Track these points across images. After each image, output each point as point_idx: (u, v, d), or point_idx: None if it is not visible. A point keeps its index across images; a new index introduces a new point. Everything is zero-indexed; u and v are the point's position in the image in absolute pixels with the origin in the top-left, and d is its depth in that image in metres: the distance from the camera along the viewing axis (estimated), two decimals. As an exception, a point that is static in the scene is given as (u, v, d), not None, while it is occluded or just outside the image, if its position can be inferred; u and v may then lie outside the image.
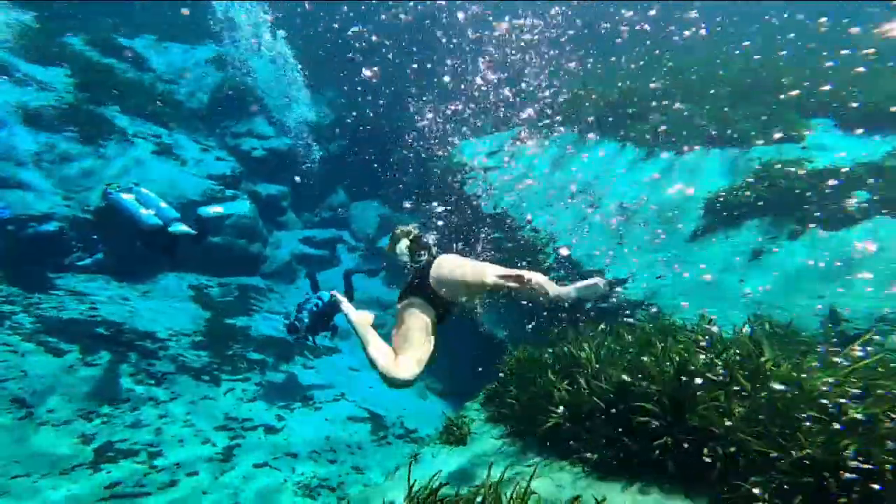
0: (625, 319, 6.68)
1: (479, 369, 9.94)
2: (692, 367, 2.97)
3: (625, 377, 3.23)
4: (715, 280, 6.51)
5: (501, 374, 4.75)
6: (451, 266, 3.10)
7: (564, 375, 3.96)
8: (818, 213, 6.37)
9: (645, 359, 3.30)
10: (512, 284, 2.84)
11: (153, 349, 7.49)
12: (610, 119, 10.86)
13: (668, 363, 3.16)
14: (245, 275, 11.65)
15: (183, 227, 6.57)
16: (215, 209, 7.58)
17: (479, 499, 2.49)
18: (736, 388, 2.76)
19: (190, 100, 14.58)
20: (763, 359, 2.71)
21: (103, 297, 8.51)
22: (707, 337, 3.45)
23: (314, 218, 15.63)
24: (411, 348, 3.04)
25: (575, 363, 3.93)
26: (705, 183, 8.06)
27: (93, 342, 7.01)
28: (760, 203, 6.99)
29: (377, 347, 3.08)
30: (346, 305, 3.47)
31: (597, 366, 3.63)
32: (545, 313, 7.85)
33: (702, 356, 3.19)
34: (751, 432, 2.52)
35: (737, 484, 2.45)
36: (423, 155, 16.81)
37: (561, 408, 3.60)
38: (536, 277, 2.81)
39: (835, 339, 4.49)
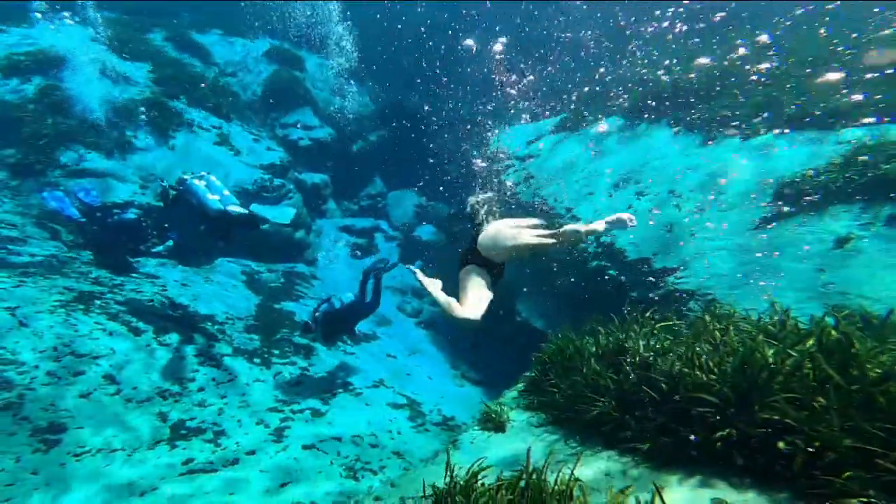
0: (681, 310, 6.34)
1: (517, 358, 9.82)
2: (760, 357, 2.72)
3: (678, 366, 3.01)
4: (788, 269, 5.97)
5: (540, 363, 4.60)
6: (494, 233, 3.54)
7: (609, 364, 3.78)
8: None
9: (700, 347, 3.06)
10: (549, 241, 3.31)
11: (213, 332, 7.90)
12: (666, 104, 10.20)
13: (728, 354, 2.91)
14: (290, 261, 12.06)
15: (240, 209, 6.91)
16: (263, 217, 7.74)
17: (521, 483, 2.40)
18: (816, 381, 2.49)
19: (245, 92, 15.24)
20: (854, 349, 2.42)
21: (172, 281, 9.08)
22: (779, 326, 3.16)
23: (353, 206, 15.91)
24: (472, 296, 3.50)
25: (621, 351, 3.72)
26: (777, 167, 7.38)
27: (164, 323, 7.50)
28: (849, 189, 6.29)
29: (446, 299, 3.52)
30: (419, 275, 3.80)
31: (646, 354, 3.42)
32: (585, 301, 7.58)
33: (772, 348, 2.92)
34: (839, 426, 2.27)
35: (827, 479, 2.21)
36: (462, 146, 16.72)
37: (606, 396, 3.43)
38: (567, 227, 3.31)
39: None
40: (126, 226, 8.74)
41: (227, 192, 7.22)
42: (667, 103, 10.14)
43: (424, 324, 12.07)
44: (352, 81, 17.31)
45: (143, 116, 10.96)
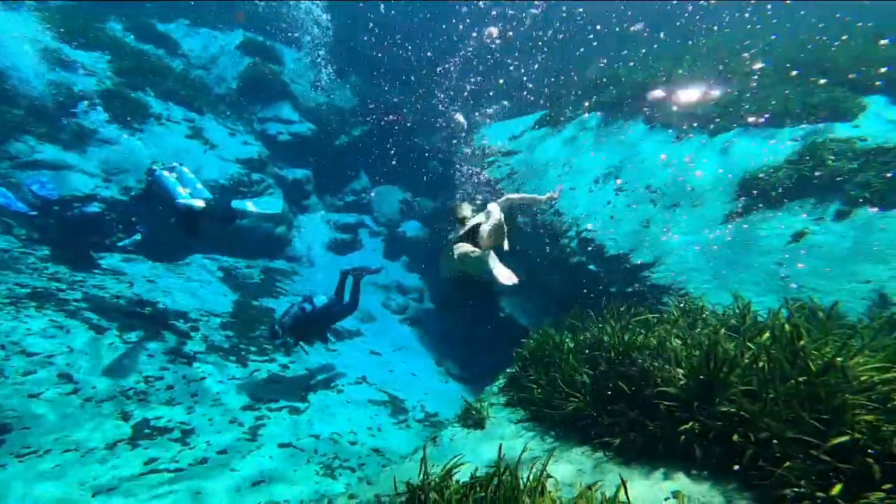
0: (655, 305, 6.48)
1: (501, 354, 9.92)
2: (721, 351, 2.81)
3: (649, 361, 3.09)
4: (750, 263, 6.18)
5: (521, 359, 4.66)
6: (483, 231, 4.22)
7: (586, 359, 3.85)
8: (866, 193, 5.93)
9: (670, 343, 3.14)
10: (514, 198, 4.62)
11: (185, 329, 7.73)
12: (636, 101, 10.40)
13: (695, 348, 3.00)
14: (271, 257, 11.90)
15: (202, 203, 6.66)
16: (250, 207, 7.59)
17: (495, 481, 2.44)
18: (770, 373, 2.59)
19: (219, 85, 14.87)
20: (801, 342, 2.52)
21: (140, 277, 8.85)
22: (739, 319, 3.26)
23: (338, 202, 15.75)
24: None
25: (597, 346, 3.80)
26: (742, 164, 7.61)
27: (130, 320, 7.29)
28: (803, 183, 6.56)
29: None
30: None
31: (620, 349, 3.49)
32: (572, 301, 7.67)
33: (733, 341, 3.01)
34: (784, 417, 2.36)
35: (769, 469, 2.31)
36: (446, 143, 16.67)
37: (582, 392, 3.50)
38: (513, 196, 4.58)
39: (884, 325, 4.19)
40: (88, 219, 8.46)
41: (199, 186, 7.01)
42: (637, 101, 10.33)
43: (409, 321, 12.08)
44: (333, 75, 17.09)
45: (99, 106, 10.57)
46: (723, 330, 3.06)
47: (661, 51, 13.23)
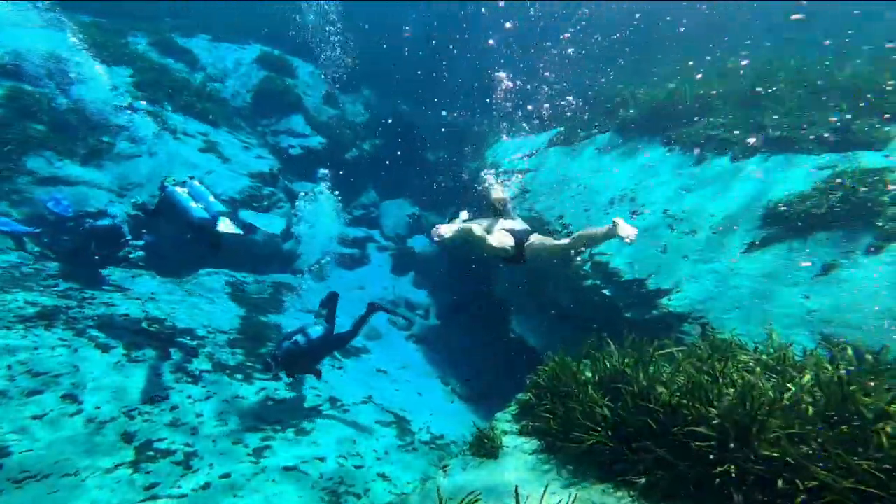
0: (672, 334, 6.34)
1: (509, 374, 9.75)
2: (759, 392, 2.70)
3: (678, 398, 2.98)
4: (776, 294, 6.04)
5: (535, 386, 4.55)
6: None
7: (606, 391, 3.74)
8: (899, 227, 5.80)
9: (700, 378, 3.04)
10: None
11: (192, 346, 7.69)
12: (655, 122, 10.39)
13: (728, 386, 2.89)
14: (278, 271, 11.91)
15: (228, 227, 6.78)
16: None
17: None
18: (815, 417, 2.48)
19: (235, 98, 15.16)
20: (852, 387, 2.41)
21: (147, 292, 8.86)
22: (776, 358, 3.15)
23: (346, 216, 15.83)
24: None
25: (618, 378, 3.69)
26: (766, 190, 7.51)
27: (137, 338, 7.26)
28: (831, 215, 6.44)
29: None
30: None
31: (644, 383, 3.38)
32: (581, 323, 7.55)
33: (770, 381, 2.91)
34: (836, 465, 2.25)
35: None
36: (453, 159, 16.77)
37: (602, 426, 3.39)
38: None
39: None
40: (99, 233, 8.44)
41: (212, 199, 7.01)
42: (655, 122, 10.29)
43: (416, 338, 11.98)
44: (346, 90, 17.39)
45: (126, 118, 10.82)
46: (759, 369, 2.95)
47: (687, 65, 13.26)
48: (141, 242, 8.82)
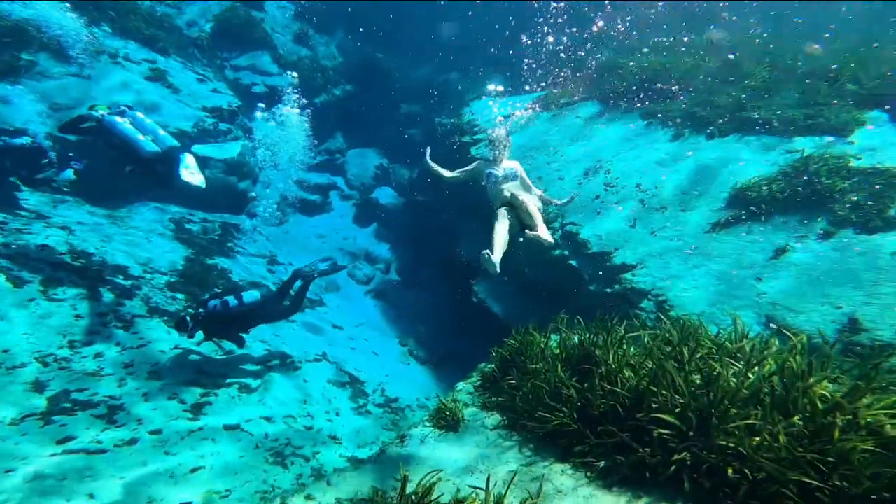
0: (632, 309, 6.50)
1: (468, 338, 9.86)
2: (722, 380, 2.74)
3: (645, 383, 2.99)
4: (731, 275, 6.27)
5: (500, 359, 4.53)
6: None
7: (574, 371, 3.74)
8: (853, 215, 6.07)
9: (668, 365, 3.05)
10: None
11: (126, 287, 7.11)
12: (639, 94, 10.27)
13: (693, 373, 2.92)
14: (231, 212, 11.20)
15: (193, 174, 6.23)
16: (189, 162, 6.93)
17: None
18: (773, 408, 2.54)
19: (191, 28, 13.66)
20: (811, 380, 2.47)
21: (73, 222, 8.03)
22: (735, 344, 3.22)
23: (310, 160, 15.02)
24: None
25: (586, 358, 3.69)
26: (735, 171, 7.65)
27: (56, 273, 6.60)
28: (793, 199, 6.65)
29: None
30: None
31: (613, 366, 3.39)
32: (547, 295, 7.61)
33: (733, 367, 2.95)
34: (785, 457, 2.32)
35: None
36: (429, 114, 16.06)
37: (567, 406, 3.40)
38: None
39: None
40: (14, 151, 7.60)
41: (162, 132, 6.45)
42: (640, 94, 10.22)
43: (374, 293, 11.81)
44: (320, 30, 16.05)
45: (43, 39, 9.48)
46: (724, 358, 3.00)
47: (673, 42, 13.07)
48: (70, 173, 7.90)
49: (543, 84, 12.87)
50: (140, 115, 6.48)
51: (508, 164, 5.23)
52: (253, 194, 11.70)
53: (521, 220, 4.95)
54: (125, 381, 5.67)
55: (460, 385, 4.91)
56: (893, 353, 3.40)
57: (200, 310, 6.07)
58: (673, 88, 10.15)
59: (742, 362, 2.98)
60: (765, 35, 12.90)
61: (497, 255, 4.42)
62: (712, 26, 13.81)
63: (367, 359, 8.91)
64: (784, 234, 6.42)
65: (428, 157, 5.42)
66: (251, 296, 6.42)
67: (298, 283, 7.07)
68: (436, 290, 11.88)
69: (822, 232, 6.23)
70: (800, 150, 7.49)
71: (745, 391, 2.80)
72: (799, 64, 9.87)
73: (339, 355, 8.38)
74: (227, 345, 6.85)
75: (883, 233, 5.76)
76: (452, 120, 13.32)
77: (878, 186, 6.25)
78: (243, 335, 6.53)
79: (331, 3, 16.13)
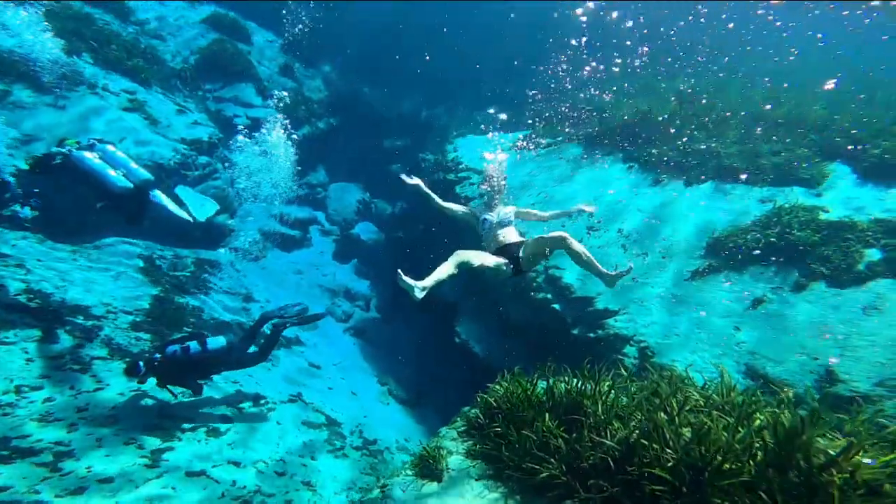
0: (614, 355, 6.56)
1: (450, 379, 9.70)
2: (714, 434, 2.76)
3: (636, 437, 2.99)
4: (710, 324, 6.44)
5: (486, 405, 4.46)
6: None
7: (561, 421, 3.71)
8: (824, 269, 6.38)
9: (659, 416, 3.07)
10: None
11: (85, 327, 6.79)
12: (621, 137, 10.78)
13: (685, 426, 2.94)
14: (206, 247, 10.96)
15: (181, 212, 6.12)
16: (182, 213, 6.80)
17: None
18: (765, 463, 2.56)
19: (175, 59, 13.77)
20: (804, 437, 2.51)
21: (33, 259, 7.68)
22: (726, 398, 3.27)
23: (290, 194, 14.99)
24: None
25: (575, 409, 3.67)
26: (713, 219, 8.01)
27: (9, 315, 6.23)
28: (768, 250, 6.97)
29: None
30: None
31: (602, 417, 3.38)
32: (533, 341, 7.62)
33: (722, 420, 2.99)
34: None
35: None
36: (413, 149, 16.41)
37: (556, 457, 3.35)
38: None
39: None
40: None
41: (135, 165, 6.30)
42: (618, 138, 10.72)
43: (354, 330, 11.60)
44: (306, 64, 16.49)
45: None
46: (715, 412, 3.04)
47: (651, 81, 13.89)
48: (26, 210, 7.62)
49: (529, 122, 13.38)
50: (111, 147, 6.33)
51: (504, 210, 5.15)
52: (231, 228, 11.53)
53: (516, 266, 4.84)
54: (76, 426, 5.30)
55: (443, 430, 4.79)
56: (876, 406, 3.50)
57: (157, 355, 5.65)
58: (653, 134, 10.65)
59: (732, 416, 3.02)
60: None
61: (425, 283, 4.05)
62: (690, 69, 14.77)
63: (345, 399, 8.65)
64: (761, 285, 6.68)
65: (420, 182, 5.32)
66: (216, 342, 6.06)
67: (268, 328, 6.77)
68: (416, 327, 11.75)
69: (795, 284, 6.50)
70: (771, 200, 7.93)
71: (737, 445, 2.81)
72: (768, 107, 10.58)
73: (316, 396, 8.12)
74: (233, 373, 6.67)
75: (853, 287, 6.06)
76: (436, 156, 13.63)
77: (846, 242, 6.61)
78: (203, 382, 6.15)
79: (319, 36, 16.58)
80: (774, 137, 9.56)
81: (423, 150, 15.54)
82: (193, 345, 5.88)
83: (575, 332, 7.24)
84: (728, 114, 10.72)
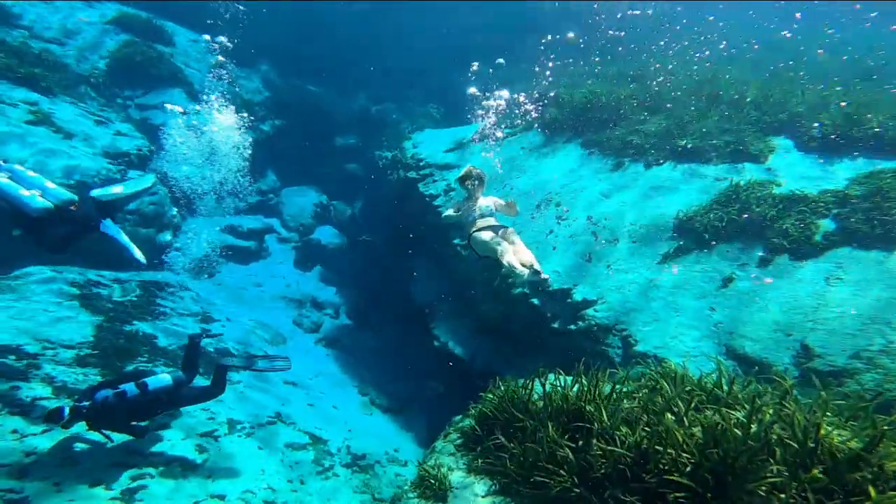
0: (598, 346, 6.65)
1: (430, 383, 9.58)
2: (728, 433, 2.78)
3: (647, 441, 2.98)
4: (686, 306, 6.64)
5: (481, 416, 4.37)
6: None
7: (565, 429, 3.67)
8: (785, 242, 6.71)
9: (667, 418, 3.07)
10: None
11: (17, 368, 6.11)
12: (579, 123, 10.88)
13: (695, 427, 2.95)
14: (150, 269, 10.18)
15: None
16: (115, 189, 6.25)
17: None
18: (784, 462, 2.60)
19: (80, 63, 12.52)
20: (822, 432, 2.55)
21: None
22: (730, 392, 3.32)
23: (239, 203, 14.20)
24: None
25: (577, 416, 3.64)
26: (675, 200, 8.24)
27: None
28: (731, 227, 7.22)
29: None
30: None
31: (607, 423, 3.36)
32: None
33: (732, 417, 3.02)
34: None
35: None
36: (368, 147, 15.95)
37: (566, 469, 3.30)
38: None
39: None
40: None
41: (50, 185, 5.56)
42: (577, 124, 10.82)
43: (326, 341, 11.21)
44: (240, 64, 15.52)
45: None
46: (724, 409, 3.07)
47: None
48: None
49: (483, 113, 13.29)
50: (19, 167, 5.59)
51: (484, 202, 5.46)
52: (177, 246, 10.77)
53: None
54: (27, 471, 4.79)
55: (439, 444, 4.68)
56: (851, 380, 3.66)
57: (84, 402, 4.82)
58: (610, 118, 10.80)
59: (738, 411, 3.06)
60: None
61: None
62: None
63: (327, 414, 8.36)
64: (728, 263, 6.94)
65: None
66: (159, 382, 5.26)
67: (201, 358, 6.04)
68: (390, 330, 11.54)
69: (760, 260, 6.80)
70: (726, 178, 8.26)
71: (752, 443, 2.81)
72: (720, 93, 11.02)
73: (296, 414, 7.78)
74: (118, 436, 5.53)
75: (814, 258, 6.41)
76: (394, 153, 13.32)
77: (801, 214, 6.99)
78: (145, 424, 5.40)
79: (250, 36, 15.67)
80: (722, 116, 9.95)
81: (379, 147, 15.16)
82: (130, 388, 5.06)
83: (555, 325, 7.28)
84: (677, 93, 11.10)
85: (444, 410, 6.45)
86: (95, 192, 6.10)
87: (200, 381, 6.07)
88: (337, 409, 8.68)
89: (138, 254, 5.93)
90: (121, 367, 6.91)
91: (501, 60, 14.35)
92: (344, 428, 7.94)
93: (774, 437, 2.75)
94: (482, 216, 5.34)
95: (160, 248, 10.29)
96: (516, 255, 4.93)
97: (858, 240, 6.37)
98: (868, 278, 5.84)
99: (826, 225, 6.76)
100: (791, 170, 8.23)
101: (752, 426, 2.89)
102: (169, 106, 12.19)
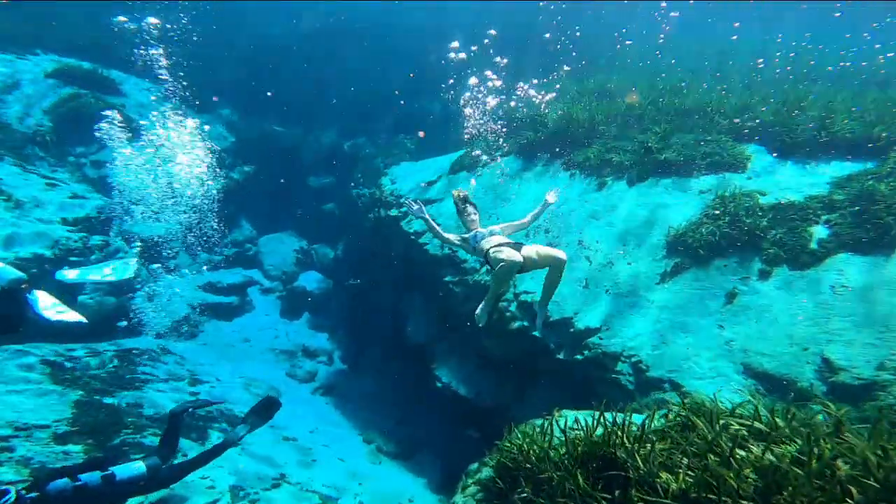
0: (608, 374, 6.47)
1: (436, 422, 9.17)
2: (789, 474, 2.59)
3: (694, 490, 2.77)
4: (693, 325, 6.53)
5: (501, 467, 4.10)
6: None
7: (595, 478, 3.42)
8: (782, 252, 6.71)
9: (711, 458, 2.88)
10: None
11: None
12: (553, 145, 10.90)
13: (746, 469, 2.76)
14: (126, 335, 9.70)
15: (63, 315, 5.07)
16: (92, 276, 5.83)
17: None
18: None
19: (23, 121, 12.11)
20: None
21: None
22: (767, 424, 3.15)
23: (216, 258, 13.77)
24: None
25: (608, 462, 3.40)
26: (664, 216, 8.23)
27: None
28: (724, 240, 7.18)
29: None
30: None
31: (643, 469, 3.14)
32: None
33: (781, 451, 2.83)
34: None
35: None
36: (345, 185, 15.78)
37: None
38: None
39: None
40: None
41: None
42: (554, 146, 10.83)
43: (323, 389, 10.77)
44: (199, 110, 15.30)
45: None
46: (773, 446, 2.89)
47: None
48: None
49: (458, 140, 13.24)
50: None
51: (490, 228, 5.42)
52: (153, 309, 10.30)
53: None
54: None
55: (459, 500, 4.37)
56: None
57: (33, 494, 4.30)
58: (585, 137, 10.80)
59: (792, 446, 2.89)
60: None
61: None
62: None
63: (334, 469, 7.94)
64: (728, 278, 6.87)
65: (424, 212, 5.38)
66: (130, 471, 4.78)
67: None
68: (388, 372, 11.14)
69: (760, 272, 6.75)
70: (711, 189, 8.33)
71: (820, 483, 2.60)
72: (676, 102, 11.26)
73: (301, 473, 7.37)
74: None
75: (814, 267, 6.40)
76: (371, 190, 13.18)
77: (792, 222, 7.00)
78: None
79: (204, 79, 15.46)
80: (697, 126, 10.13)
81: (356, 185, 15.02)
82: (92, 478, 4.52)
83: (560, 356, 7.09)
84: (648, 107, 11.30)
85: (456, 452, 6.13)
86: (67, 277, 5.72)
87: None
88: (343, 461, 8.27)
89: (70, 316, 5.47)
90: (107, 441, 6.52)
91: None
92: (353, 481, 7.60)
93: (843, 474, 2.56)
94: (492, 234, 5.23)
95: (134, 314, 9.81)
96: (533, 247, 4.92)
97: (854, 245, 6.37)
98: (873, 284, 5.82)
99: (819, 232, 6.79)
100: (769, 177, 8.32)
101: (813, 463, 2.70)
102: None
